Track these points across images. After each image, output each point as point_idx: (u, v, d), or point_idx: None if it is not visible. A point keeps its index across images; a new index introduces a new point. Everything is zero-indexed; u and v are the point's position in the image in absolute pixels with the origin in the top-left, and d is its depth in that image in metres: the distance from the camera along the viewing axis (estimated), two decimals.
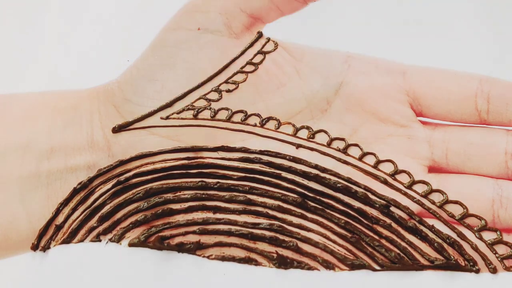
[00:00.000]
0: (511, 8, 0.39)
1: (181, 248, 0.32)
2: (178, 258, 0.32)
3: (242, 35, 0.37)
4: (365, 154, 0.35)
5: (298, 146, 0.35)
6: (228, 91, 0.36)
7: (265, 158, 0.34)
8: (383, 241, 0.32)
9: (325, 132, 0.35)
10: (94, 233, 0.33)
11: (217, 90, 0.36)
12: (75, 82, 0.37)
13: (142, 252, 0.32)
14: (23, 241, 0.33)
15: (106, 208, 0.33)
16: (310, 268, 0.32)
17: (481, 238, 0.32)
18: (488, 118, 0.34)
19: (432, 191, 0.34)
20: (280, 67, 0.37)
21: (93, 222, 0.33)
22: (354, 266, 0.32)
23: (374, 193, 0.34)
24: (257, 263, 0.32)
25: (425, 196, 0.33)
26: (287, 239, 0.32)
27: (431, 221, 0.33)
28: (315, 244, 0.32)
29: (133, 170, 0.34)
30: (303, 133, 0.35)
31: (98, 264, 0.32)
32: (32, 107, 0.36)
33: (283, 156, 0.34)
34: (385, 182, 0.34)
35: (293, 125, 0.35)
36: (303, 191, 0.34)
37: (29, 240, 0.33)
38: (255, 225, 0.33)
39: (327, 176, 0.34)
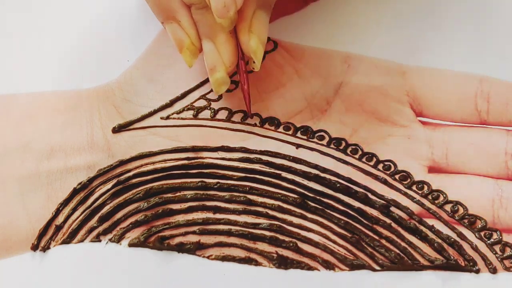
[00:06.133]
0: (511, 8, 0.39)
1: (181, 248, 0.32)
2: (178, 258, 0.32)
3: None
4: (365, 154, 0.35)
5: (298, 146, 0.35)
6: (228, 91, 0.36)
7: (265, 158, 0.34)
8: (383, 241, 0.32)
9: (325, 132, 0.35)
10: (94, 233, 0.33)
11: None
12: (75, 82, 0.37)
13: (142, 252, 0.32)
14: (23, 241, 0.33)
15: (106, 208, 0.34)
16: (310, 268, 0.32)
17: (481, 238, 0.32)
18: (488, 118, 0.34)
19: (432, 191, 0.34)
20: (280, 67, 0.37)
21: (93, 222, 0.33)
22: (354, 266, 0.32)
23: (374, 193, 0.34)
24: (257, 263, 0.32)
25: (425, 196, 0.33)
26: (287, 239, 0.32)
27: (431, 221, 0.33)
28: (315, 244, 0.32)
29: (133, 170, 0.34)
30: (303, 133, 0.35)
31: (98, 264, 0.32)
32: (32, 107, 0.36)
33: (283, 156, 0.34)
34: (385, 182, 0.34)
35: (293, 125, 0.35)
36: (303, 191, 0.34)
37: (29, 240, 0.33)
38: (255, 225, 0.33)
39: (327, 176, 0.34)
